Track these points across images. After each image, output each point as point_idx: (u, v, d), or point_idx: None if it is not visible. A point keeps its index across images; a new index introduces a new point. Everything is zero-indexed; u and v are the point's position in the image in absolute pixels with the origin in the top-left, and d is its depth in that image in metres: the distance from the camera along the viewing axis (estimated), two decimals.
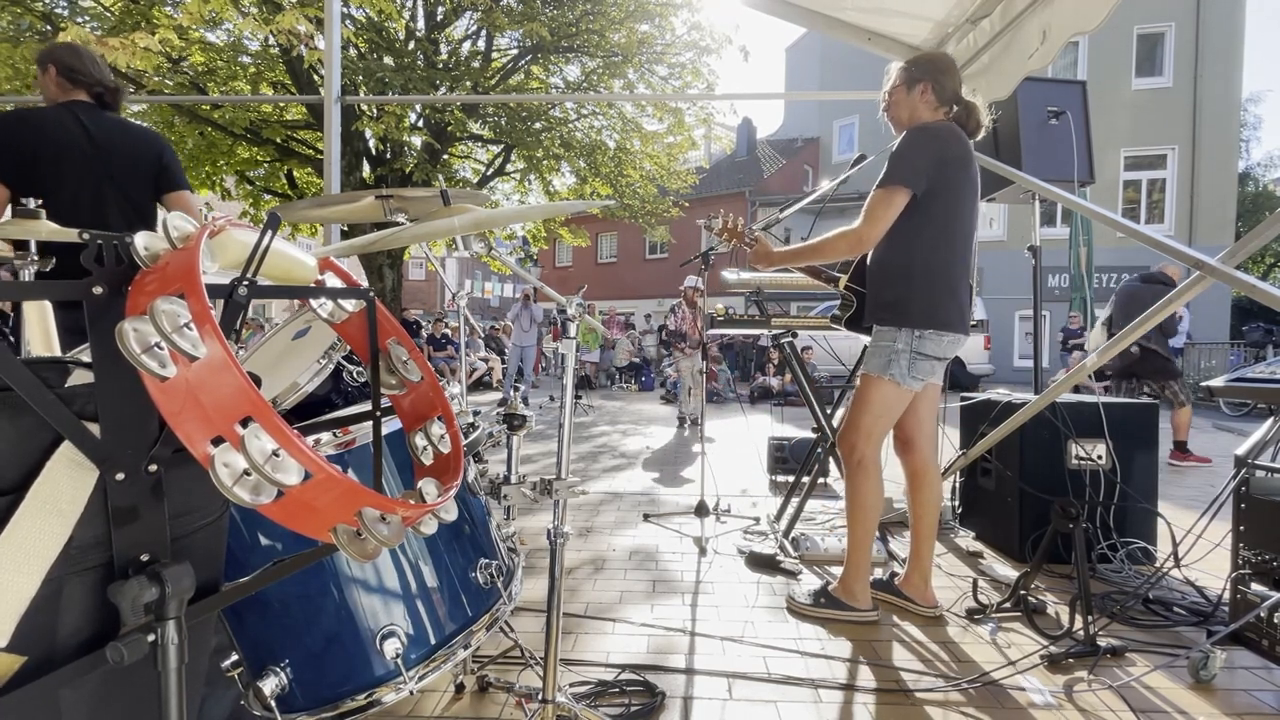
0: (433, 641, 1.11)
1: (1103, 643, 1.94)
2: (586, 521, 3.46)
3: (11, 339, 2.05)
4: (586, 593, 2.46)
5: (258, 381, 0.63)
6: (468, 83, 8.91)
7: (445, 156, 10.10)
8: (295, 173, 9.90)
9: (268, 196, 9.88)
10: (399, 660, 1.05)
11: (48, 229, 1.45)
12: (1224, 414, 8.84)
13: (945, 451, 2.76)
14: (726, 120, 16.09)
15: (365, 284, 1.00)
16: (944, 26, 2.92)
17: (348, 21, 8.43)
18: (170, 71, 7.40)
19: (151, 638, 0.64)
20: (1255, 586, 1.96)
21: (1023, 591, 2.21)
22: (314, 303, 0.95)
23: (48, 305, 1.59)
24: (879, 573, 2.47)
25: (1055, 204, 3.60)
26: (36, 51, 2.57)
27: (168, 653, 0.65)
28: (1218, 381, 2.17)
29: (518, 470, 1.39)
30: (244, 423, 0.59)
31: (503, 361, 12.22)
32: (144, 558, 0.68)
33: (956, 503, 3.32)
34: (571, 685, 1.74)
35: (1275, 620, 1.86)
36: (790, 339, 3.01)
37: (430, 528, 0.79)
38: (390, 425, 1.09)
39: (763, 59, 57.72)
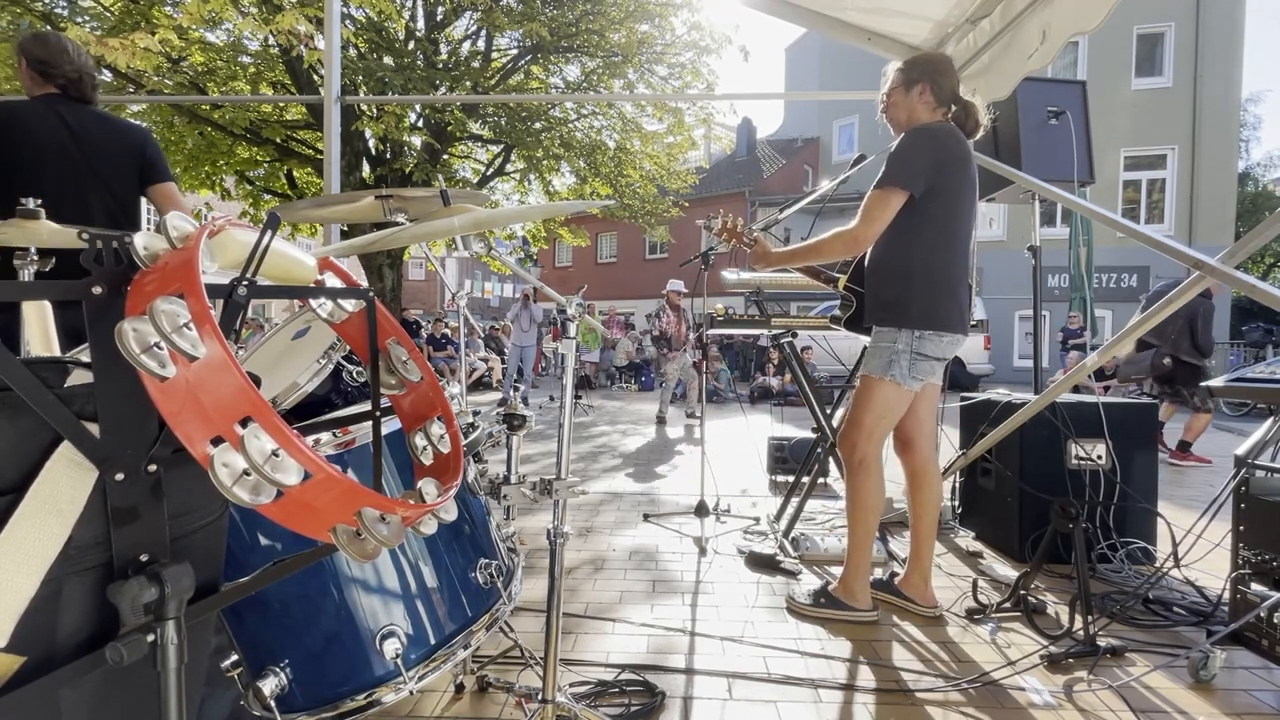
0: (432, 641, 1.11)
1: (1103, 643, 1.94)
2: (586, 521, 3.46)
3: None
4: (586, 593, 2.46)
5: (257, 381, 0.63)
6: (468, 83, 8.91)
7: (445, 156, 10.10)
8: (295, 173, 9.90)
9: (267, 196, 9.87)
10: (399, 660, 1.05)
11: (48, 231, 1.45)
12: (1224, 414, 8.84)
13: (945, 451, 2.76)
14: (726, 120, 16.13)
15: (365, 284, 1.00)
16: (944, 27, 2.92)
17: (348, 21, 8.43)
18: (170, 71, 7.39)
19: (151, 638, 0.64)
20: (1255, 586, 1.96)
21: (1022, 591, 2.21)
22: (314, 303, 0.95)
23: (47, 305, 1.59)
24: (879, 573, 2.47)
25: (1055, 204, 3.60)
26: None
27: (167, 653, 0.65)
28: (1218, 381, 2.17)
29: (517, 470, 1.39)
30: (243, 423, 0.59)
31: (502, 361, 12.22)
32: (143, 558, 0.68)
33: (956, 503, 3.32)
34: (571, 685, 1.74)
35: (1275, 620, 1.86)
36: (790, 339, 3.01)
37: (430, 528, 0.79)
38: (390, 425, 1.09)
39: (763, 59, 57.75)
